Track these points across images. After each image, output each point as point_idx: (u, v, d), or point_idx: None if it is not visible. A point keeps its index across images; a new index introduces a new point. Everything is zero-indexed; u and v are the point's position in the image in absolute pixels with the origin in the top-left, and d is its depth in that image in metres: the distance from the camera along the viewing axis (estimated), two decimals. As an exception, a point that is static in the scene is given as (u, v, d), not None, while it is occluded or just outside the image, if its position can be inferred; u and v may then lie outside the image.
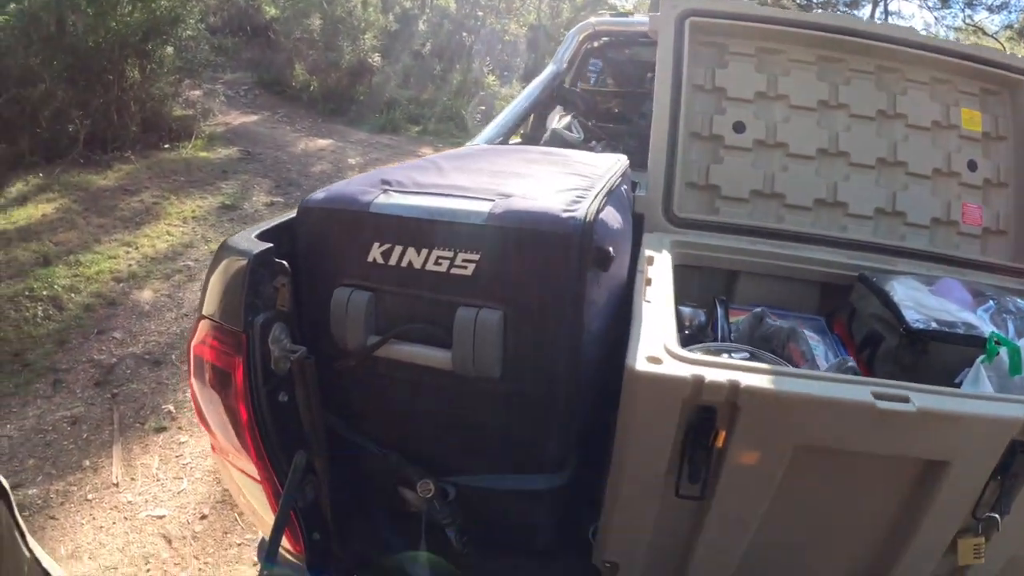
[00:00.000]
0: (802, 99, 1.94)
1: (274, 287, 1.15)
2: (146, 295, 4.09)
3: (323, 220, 1.18)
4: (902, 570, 1.20)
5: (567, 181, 1.25)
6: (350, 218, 1.15)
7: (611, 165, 1.47)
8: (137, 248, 4.62)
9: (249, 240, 1.16)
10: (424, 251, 1.10)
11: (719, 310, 1.50)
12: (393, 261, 1.12)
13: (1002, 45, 17.57)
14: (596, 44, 3.36)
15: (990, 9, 18.47)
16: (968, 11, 19.13)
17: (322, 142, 8.62)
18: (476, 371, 1.12)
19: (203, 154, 6.78)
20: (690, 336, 1.43)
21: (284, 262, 1.16)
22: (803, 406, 1.01)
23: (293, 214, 1.23)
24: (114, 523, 2.43)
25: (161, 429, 2.95)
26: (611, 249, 1.11)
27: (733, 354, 1.23)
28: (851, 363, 1.30)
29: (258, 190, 6.22)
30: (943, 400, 1.04)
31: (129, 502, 2.53)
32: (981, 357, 1.30)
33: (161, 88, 6.69)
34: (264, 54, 10.86)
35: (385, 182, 1.23)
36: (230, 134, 7.77)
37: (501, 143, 2.52)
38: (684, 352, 1.05)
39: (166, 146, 6.69)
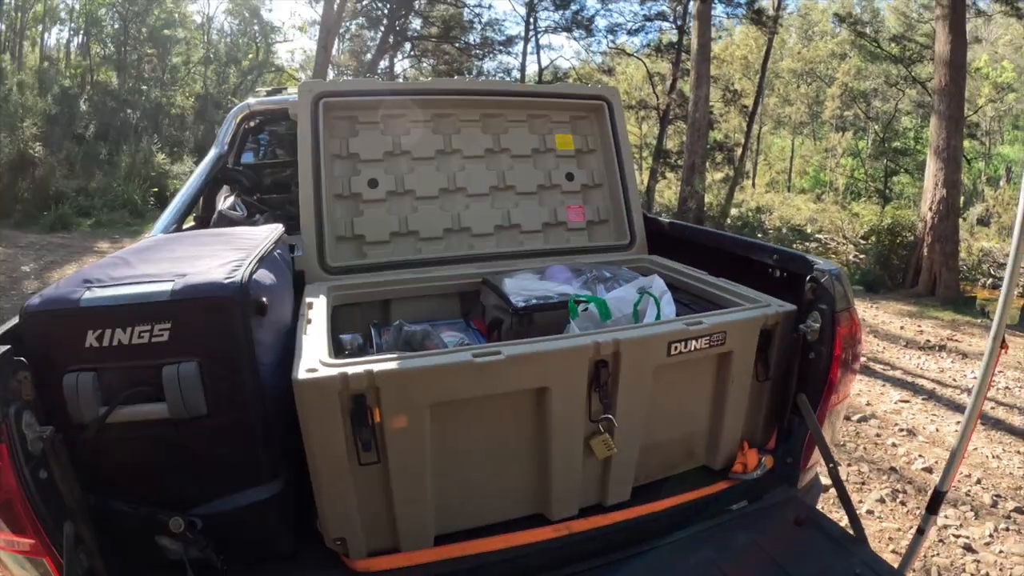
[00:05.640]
0: (422, 151, 2.47)
1: (17, 381, 1.32)
2: None
3: (44, 320, 1.38)
4: (559, 475, 1.66)
5: (229, 255, 1.61)
6: (65, 314, 1.38)
7: (266, 235, 1.87)
8: None
9: None
10: (128, 329, 1.37)
11: (373, 332, 1.95)
12: (106, 343, 1.37)
13: (643, 61, 21.45)
14: (254, 123, 3.68)
15: (629, 32, 22.48)
16: (610, 36, 23.07)
17: (-11, 252, 7.62)
18: (188, 413, 1.41)
19: None
20: (351, 356, 1.77)
21: (22, 358, 1.33)
22: (423, 374, 1.44)
23: (16, 320, 1.41)
24: None
25: None
26: (265, 299, 1.50)
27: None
28: (467, 341, 1.82)
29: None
30: (526, 347, 1.53)
31: None
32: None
33: None
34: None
35: (87, 281, 1.46)
36: None
37: (175, 230, 2.75)
38: (334, 361, 1.45)
39: None
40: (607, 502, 1.77)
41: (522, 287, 2.06)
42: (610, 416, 1.62)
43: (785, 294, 1.93)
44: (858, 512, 3.54)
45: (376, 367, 1.42)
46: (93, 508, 1.43)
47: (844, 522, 1.89)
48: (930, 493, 2.40)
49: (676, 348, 1.65)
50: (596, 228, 2.70)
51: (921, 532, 2.39)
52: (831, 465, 1.81)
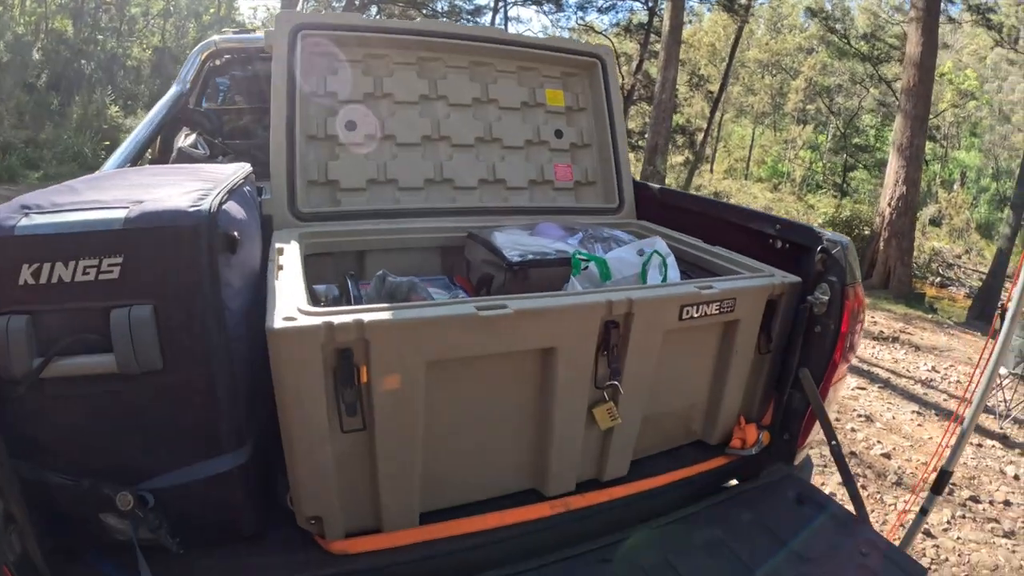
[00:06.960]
0: (406, 95, 2.27)
1: None
2: None
3: None
4: (558, 446, 1.51)
5: (193, 185, 1.38)
6: None
7: (234, 170, 1.63)
8: None
9: None
10: (71, 264, 1.15)
11: (349, 283, 1.76)
12: (44, 280, 1.14)
13: (611, 41, 21.34)
14: (219, 62, 3.39)
15: (600, 10, 22.40)
16: (580, 13, 22.88)
17: (-73, 206, 7.18)
18: (140, 367, 1.19)
19: None
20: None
21: None
22: (421, 328, 1.26)
23: None
24: None
25: None
26: (236, 233, 1.29)
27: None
28: (462, 294, 1.67)
29: None
30: (534, 301, 1.37)
31: None
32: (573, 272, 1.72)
33: None
34: None
35: (25, 207, 1.23)
36: None
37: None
38: (315, 309, 1.24)
39: None
40: (604, 477, 1.65)
41: (515, 242, 1.91)
42: (616, 383, 1.50)
43: (782, 266, 1.84)
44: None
45: (367, 317, 1.23)
46: (26, 481, 1.21)
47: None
48: (935, 474, 2.50)
49: (688, 312, 1.55)
50: (584, 189, 2.56)
51: (924, 512, 2.40)
52: (833, 443, 1.74)
